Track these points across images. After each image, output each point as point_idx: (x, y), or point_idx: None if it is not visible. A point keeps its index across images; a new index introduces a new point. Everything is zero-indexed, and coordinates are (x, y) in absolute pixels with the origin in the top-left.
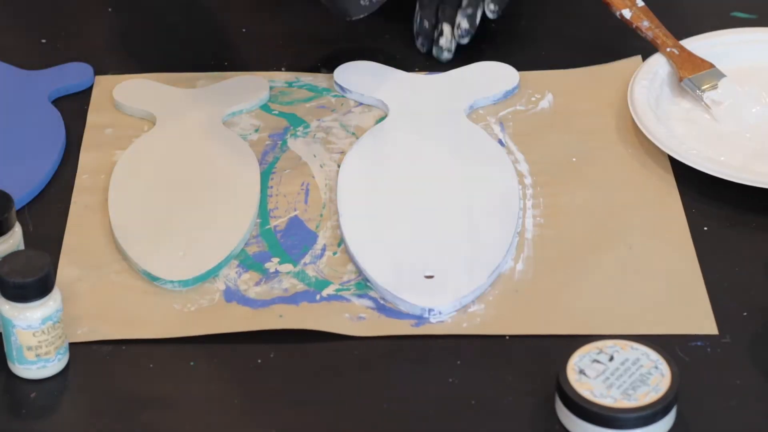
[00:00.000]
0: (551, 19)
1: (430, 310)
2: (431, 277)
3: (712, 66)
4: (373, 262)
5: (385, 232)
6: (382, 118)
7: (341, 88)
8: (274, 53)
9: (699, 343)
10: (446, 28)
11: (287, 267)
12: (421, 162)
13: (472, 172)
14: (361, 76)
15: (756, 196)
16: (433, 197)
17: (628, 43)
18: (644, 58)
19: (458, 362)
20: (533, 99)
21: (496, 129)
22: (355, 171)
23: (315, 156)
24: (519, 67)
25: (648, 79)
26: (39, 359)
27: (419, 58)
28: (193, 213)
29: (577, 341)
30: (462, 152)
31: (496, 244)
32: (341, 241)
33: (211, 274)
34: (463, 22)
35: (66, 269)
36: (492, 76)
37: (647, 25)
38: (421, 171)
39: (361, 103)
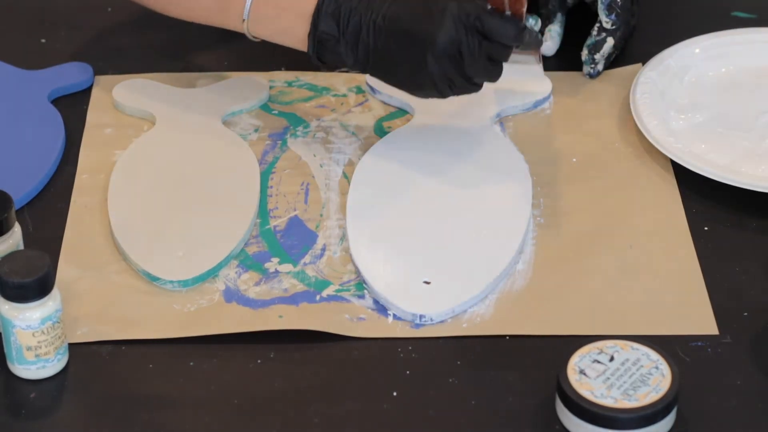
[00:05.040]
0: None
1: (421, 317)
2: (428, 283)
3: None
4: (371, 264)
5: (389, 235)
6: (382, 118)
7: (371, 88)
8: (274, 53)
9: (699, 344)
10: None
11: (287, 267)
12: (439, 169)
13: (488, 185)
14: None
15: (756, 197)
16: (444, 204)
17: (630, 51)
18: None
19: (458, 362)
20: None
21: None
22: (370, 171)
23: (315, 156)
24: None
25: (650, 81)
26: (38, 359)
27: None
28: (193, 213)
29: (578, 341)
30: (481, 163)
31: (497, 258)
32: (341, 241)
33: (211, 274)
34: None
35: (66, 269)
36: (524, 85)
37: None
38: (437, 178)
39: (360, 103)
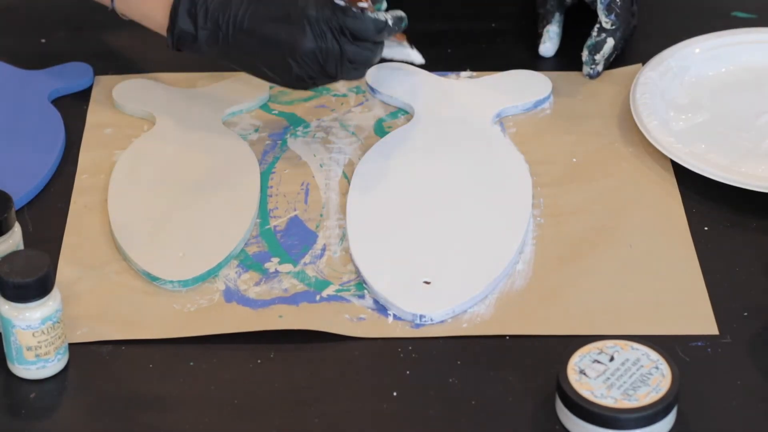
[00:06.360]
0: None
1: (421, 317)
2: (429, 282)
3: None
4: (371, 264)
5: (389, 235)
6: (382, 118)
7: (371, 89)
8: None
9: (699, 343)
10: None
11: (287, 267)
12: (439, 169)
13: (488, 185)
14: (392, 78)
15: (756, 197)
16: (443, 204)
17: (630, 51)
18: None
19: (458, 362)
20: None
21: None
22: (370, 171)
23: (315, 156)
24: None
25: (650, 81)
26: (38, 359)
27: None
28: (193, 213)
29: (577, 341)
30: (481, 163)
31: (497, 258)
32: (341, 241)
33: (211, 274)
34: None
35: (66, 269)
36: (524, 85)
37: None
38: (437, 177)
39: (360, 103)
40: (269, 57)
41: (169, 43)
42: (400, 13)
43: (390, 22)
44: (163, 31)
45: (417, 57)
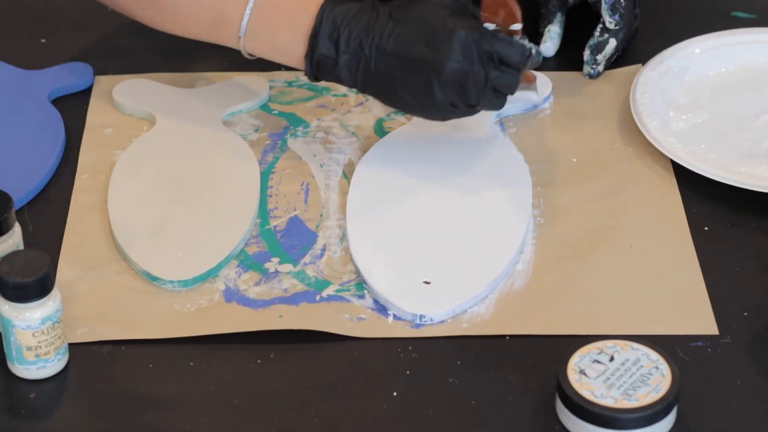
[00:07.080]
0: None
1: (421, 317)
2: (429, 283)
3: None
4: (371, 264)
5: (389, 235)
6: (382, 118)
7: None
8: None
9: (699, 343)
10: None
11: (287, 267)
12: (439, 169)
13: (488, 185)
14: None
15: (756, 197)
16: (443, 204)
17: (630, 51)
18: None
19: (458, 362)
20: None
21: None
22: (370, 171)
23: (315, 156)
24: None
25: (650, 81)
26: (38, 359)
27: None
28: (193, 213)
29: (577, 341)
30: (481, 163)
31: (497, 258)
32: (341, 241)
33: (211, 274)
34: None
35: (66, 269)
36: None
37: None
38: (437, 178)
39: (360, 103)
40: (412, 80)
41: (308, 71)
42: (538, 47)
43: (533, 51)
44: (299, 63)
45: (536, 97)
